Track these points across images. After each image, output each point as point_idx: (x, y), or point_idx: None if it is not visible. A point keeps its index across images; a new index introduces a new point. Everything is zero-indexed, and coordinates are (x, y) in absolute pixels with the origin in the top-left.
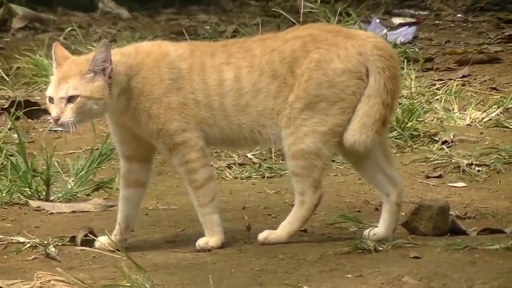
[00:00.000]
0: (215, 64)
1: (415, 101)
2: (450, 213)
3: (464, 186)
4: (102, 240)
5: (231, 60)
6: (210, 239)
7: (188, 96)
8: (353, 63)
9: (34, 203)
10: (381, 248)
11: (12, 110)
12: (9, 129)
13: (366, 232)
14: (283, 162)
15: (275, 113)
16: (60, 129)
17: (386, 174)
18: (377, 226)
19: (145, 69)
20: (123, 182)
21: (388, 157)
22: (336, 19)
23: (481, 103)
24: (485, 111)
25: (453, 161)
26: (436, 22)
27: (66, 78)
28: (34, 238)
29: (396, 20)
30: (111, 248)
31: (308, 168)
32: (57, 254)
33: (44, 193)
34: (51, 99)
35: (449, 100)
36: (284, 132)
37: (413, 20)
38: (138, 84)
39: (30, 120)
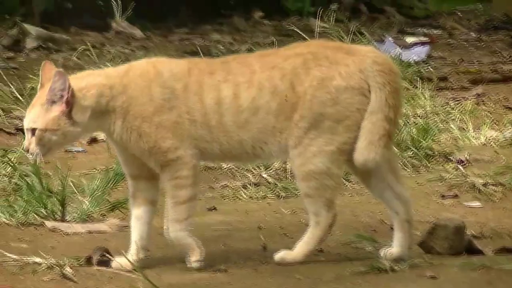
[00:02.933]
0: (213, 83)
1: (430, 120)
2: (466, 232)
3: (479, 206)
4: (118, 261)
5: (229, 77)
6: (192, 260)
7: (183, 115)
8: (355, 80)
9: (49, 224)
10: (397, 268)
11: None
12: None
13: (382, 252)
14: None
15: (278, 131)
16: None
17: (394, 191)
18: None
19: (133, 89)
20: (132, 201)
21: (396, 174)
22: (349, 38)
23: (496, 122)
24: (499, 130)
25: (469, 180)
26: (450, 41)
27: (31, 108)
28: (50, 259)
29: (410, 39)
30: (127, 268)
31: (320, 188)
32: (74, 275)
33: (59, 214)
34: None
35: (464, 119)
36: (292, 152)
37: (426, 39)
38: (123, 103)
39: None
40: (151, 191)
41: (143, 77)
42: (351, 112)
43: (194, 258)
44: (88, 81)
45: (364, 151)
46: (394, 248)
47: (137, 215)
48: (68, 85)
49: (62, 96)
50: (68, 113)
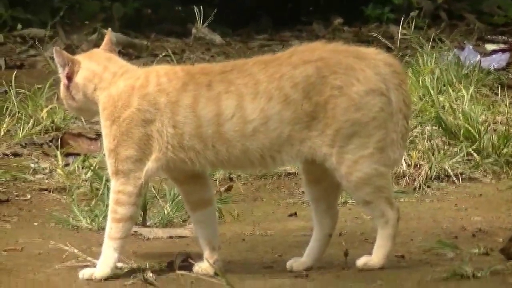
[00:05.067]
0: (211, 96)
1: (511, 127)
2: None
3: None
4: (200, 265)
5: (231, 88)
6: (97, 270)
7: (162, 129)
8: (373, 82)
9: None
10: (479, 275)
11: None
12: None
13: (289, 262)
14: None
15: (296, 140)
16: None
17: (329, 204)
18: (474, 252)
19: (116, 89)
20: (187, 206)
21: (338, 189)
22: (429, 45)
23: None
24: None
25: None
26: None
27: None
28: (132, 263)
29: (489, 47)
30: (210, 273)
31: (377, 191)
32: (155, 279)
33: (141, 219)
34: None
35: None
36: (329, 163)
37: (506, 46)
38: (103, 98)
39: None
40: (201, 192)
41: (128, 83)
42: (376, 112)
43: (98, 271)
44: (90, 66)
45: (390, 152)
46: (305, 258)
47: (197, 219)
48: (63, 62)
49: (63, 70)
50: (68, 87)
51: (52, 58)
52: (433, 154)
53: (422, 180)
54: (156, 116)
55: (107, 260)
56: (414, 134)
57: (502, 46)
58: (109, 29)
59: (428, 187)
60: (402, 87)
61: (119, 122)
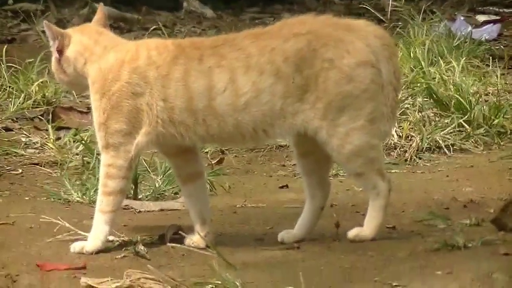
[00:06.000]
0: (202, 69)
1: (502, 98)
2: None
3: None
4: (191, 238)
5: (223, 62)
6: (88, 244)
7: (152, 102)
8: (363, 54)
9: None
10: (470, 245)
11: None
12: None
13: (281, 234)
14: None
15: (289, 113)
16: None
17: (321, 176)
18: (466, 223)
19: (105, 62)
20: (178, 180)
21: (330, 162)
22: (420, 17)
23: None
24: None
25: None
26: None
27: None
28: (123, 236)
29: (481, 18)
30: (201, 246)
31: (368, 163)
32: (146, 252)
33: (132, 192)
34: None
35: None
36: (320, 135)
37: (497, 17)
38: (93, 71)
39: None
40: (191, 165)
41: (119, 56)
42: (367, 84)
43: (89, 244)
44: (81, 39)
45: (380, 125)
46: (297, 230)
47: (188, 193)
48: (53, 35)
49: (54, 44)
50: (59, 61)
51: (43, 32)
52: (424, 126)
53: (413, 152)
54: (146, 89)
55: (98, 233)
56: (405, 105)
57: (493, 17)
58: (101, 3)
59: (420, 158)
60: (392, 60)
61: (109, 95)
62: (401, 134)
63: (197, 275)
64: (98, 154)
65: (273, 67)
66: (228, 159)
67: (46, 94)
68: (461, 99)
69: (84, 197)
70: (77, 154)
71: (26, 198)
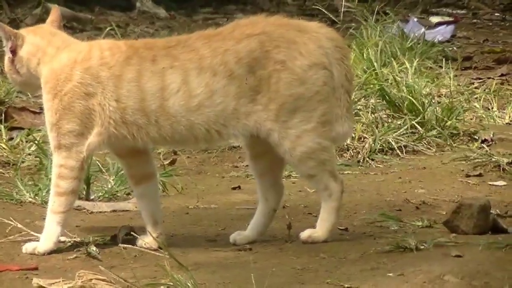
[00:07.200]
0: (155, 70)
1: (455, 100)
2: (491, 211)
3: (504, 185)
4: (144, 239)
5: (175, 63)
6: (40, 244)
7: (104, 103)
8: (316, 56)
9: None
10: (422, 247)
11: None
12: None
13: (232, 235)
14: None
15: (242, 114)
16: None
17: (274, 178)
18: (418, 224)
19: (57, 62)
20: (130, 181)
21: (282, 163)
22: (374, 18)
23: None
24: None
25: (493, 159)
26: (474, 21)
27: None
28: (75, 237)
29: (434, 19)
30: (153, 247)
31: (320, 164)
32: (98, 253)
33: (84, 193)
34: None
35: (488, 99)
36: (272, 137)
37: (451, 19)
38: (46, 72)
39: None
40: (143, 166)
41: (71, 56)
42: (319, 86)
43: (41, 245)
44: (34, 40)
45: (336, 127)
46: (249, 231)
47: (139, 194)
48: (6, 36)
49: (7, 44)
50: (12, 61)
51: None
52: (377, 127)
53: (366, 153)
54: (98, 89)
55: (50, 234)
56: (358, 107)
57: (446, 18)
58: (55, 5)
59: (372, 159)
60: (344, 62)
61: (61, 95)
62: (353, 136)
63: (149, 276)
64: (51, 154)
65: (226, 68)
66: (180, 160)
67: None
68: (414, 101)
69: (36, 197)
70: (29, 154)
71: None
